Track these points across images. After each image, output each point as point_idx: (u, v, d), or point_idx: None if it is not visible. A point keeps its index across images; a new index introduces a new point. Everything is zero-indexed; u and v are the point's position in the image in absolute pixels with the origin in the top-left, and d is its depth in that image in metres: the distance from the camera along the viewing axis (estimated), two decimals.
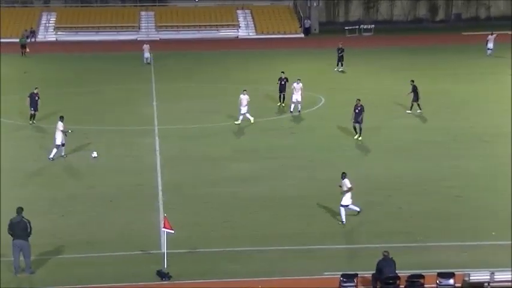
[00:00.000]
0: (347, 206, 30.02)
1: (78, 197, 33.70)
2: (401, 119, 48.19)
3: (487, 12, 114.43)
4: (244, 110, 46.95)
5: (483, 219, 30.40)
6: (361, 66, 69.21)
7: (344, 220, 29.77)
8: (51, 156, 39.45)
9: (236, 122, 47.05)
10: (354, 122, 43.00)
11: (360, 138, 42.64)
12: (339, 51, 68.78)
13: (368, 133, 44.51)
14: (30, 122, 47.20)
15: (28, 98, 47.42)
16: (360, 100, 42.90)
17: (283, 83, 52.52)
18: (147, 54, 75.17)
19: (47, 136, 43.80)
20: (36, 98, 47.31)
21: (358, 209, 30.49)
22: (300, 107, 50.01)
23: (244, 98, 46.86)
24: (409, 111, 49.26)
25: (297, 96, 49.63)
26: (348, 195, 30.01)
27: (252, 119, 47.11)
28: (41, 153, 40.77)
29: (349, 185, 29.99)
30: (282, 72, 53.09)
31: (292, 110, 50.07)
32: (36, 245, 26.48)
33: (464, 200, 32.41)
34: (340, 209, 29.90)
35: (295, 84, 49.96)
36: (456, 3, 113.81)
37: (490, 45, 75.83)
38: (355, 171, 36.82)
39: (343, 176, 30.25)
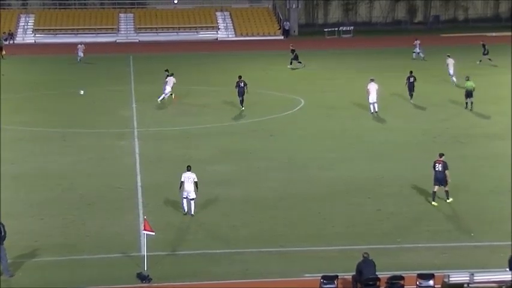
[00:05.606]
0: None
1: (56, 199, 33.50)
2: (381, 120, 48.29)
3: (465, 14, 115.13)
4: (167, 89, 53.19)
5: (462, 220, 30.51)
6: (340, 68, 69.30)
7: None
8: None
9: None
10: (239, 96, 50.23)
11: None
12: (293, 52, 70.93)
13: (347, 134, 44.66)
14: None
15: None
16: (241, 77, 50.65)
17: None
18: (81, 54, 76.98)
19: (25, 138, 43.62)
20: None
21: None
22: (376, 107, 49.34)
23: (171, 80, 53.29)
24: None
25: (373, 97, 49.12)
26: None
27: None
28: (18, 156, 40.57)
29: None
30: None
31: (373, 111, 49.25)
32: (14, 247, 26.34)
33: (442, 201, 32.50)
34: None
35: (369, 86, 49.39)
36: (435, 5, 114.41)
37: (417, 49, 77.99)
38: (334, 172, 36.97)
39: (188, 168, 31.45)
